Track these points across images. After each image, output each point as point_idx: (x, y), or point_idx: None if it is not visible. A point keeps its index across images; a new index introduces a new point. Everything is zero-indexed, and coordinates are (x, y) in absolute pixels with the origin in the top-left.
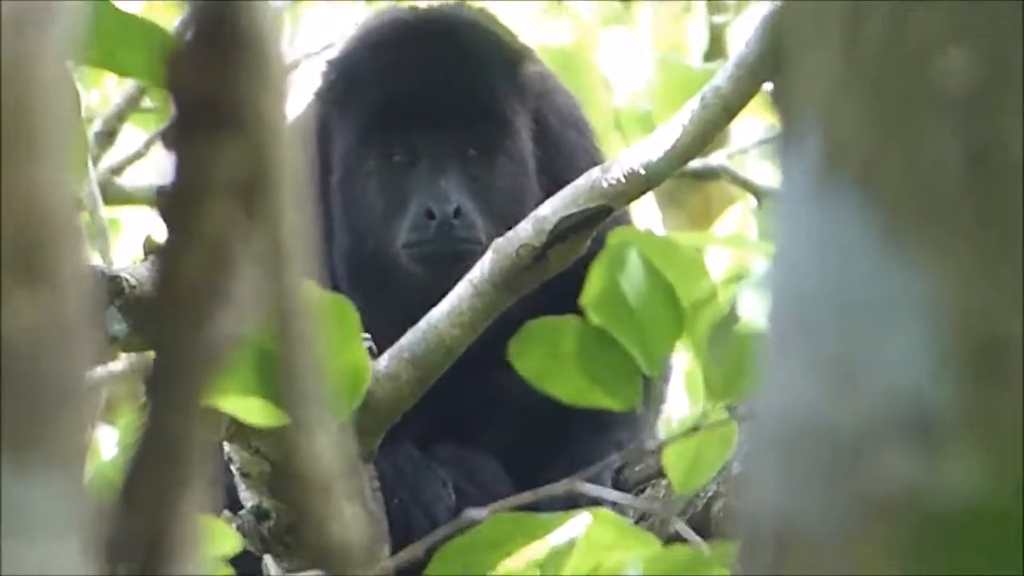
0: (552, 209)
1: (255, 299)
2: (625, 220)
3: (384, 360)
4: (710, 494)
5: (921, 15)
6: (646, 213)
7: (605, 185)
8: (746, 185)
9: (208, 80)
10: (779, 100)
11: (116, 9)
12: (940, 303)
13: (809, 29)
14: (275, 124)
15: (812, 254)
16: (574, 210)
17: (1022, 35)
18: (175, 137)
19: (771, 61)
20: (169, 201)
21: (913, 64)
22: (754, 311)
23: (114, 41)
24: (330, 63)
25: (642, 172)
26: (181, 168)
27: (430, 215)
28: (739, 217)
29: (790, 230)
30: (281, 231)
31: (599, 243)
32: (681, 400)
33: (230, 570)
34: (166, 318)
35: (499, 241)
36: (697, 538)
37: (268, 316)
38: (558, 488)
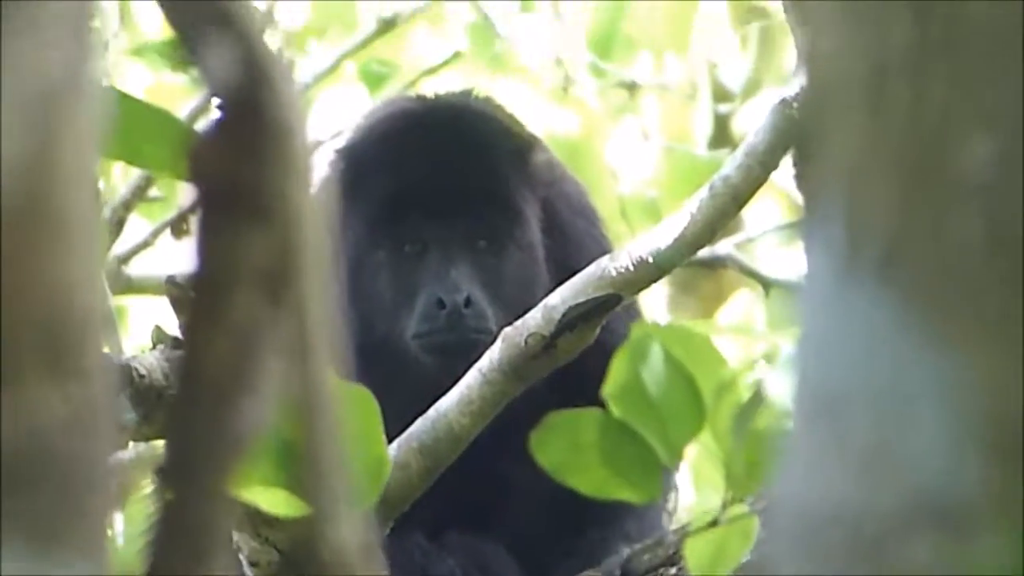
0: (561, 298)
1: (280, 388)
2: (634, 309)
3: (393, 449)
4: None
5: (943, 100)
6: (653, 300)
7: (614, 273)
8: (752, 274)
9: (234, 167)
10: (802, 185)
11: (132, 98)
12: (966, 389)
13: (831, 115)
14: (300, 212)
15: (837, 340)
16: (583, 299)
17: None
18: (200, 225)
19: (792, 147)
20: (194, 289)
21: (935, 149)
22: (778, 398)
23: (129, 131)
24: (339, 152)
25: (651, 260)
26: (206, 256)
27: (440, 305)
28: (745, 305)
29: (815, 315)
30: (306, 320)
31: (608, 332)
32: (687, 491)
33: None
34: (190, 406)
35: (508, 330)
36: None
37: (292, 405)
38: None
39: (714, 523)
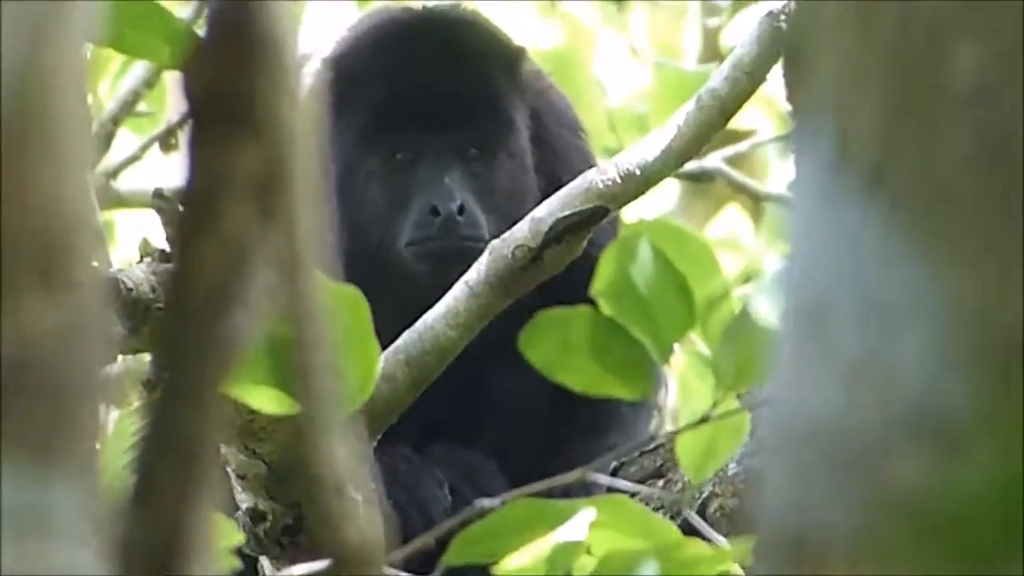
0: (548, 210)
1: (270, 299)
2: (620, 222)
3: (380, 361)
4: (706, 494)
5: (930, 10)
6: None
7: (601, 186)
8: (742, 188)
9: (223, 79)
10: (792, 99)
11: None
12: (954, 301)
13: (822, 28)
14: (290, 123)
15: (826, 253)
16: (570, 211)
17: None
18: (191, 138)
19: (784, 60)
20: (185, 201)
21: (924, 60)
22: (766, 311)
23: (130, 25)
24: (327, 61)
25: (638, 173)
26: (197, 169)
27: (434, 212)
28: (735, 220)
29: (804, 229)
30: (296, 231)
31: (594, 246)
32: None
33: (237, 562)
34: (181, 318)
35: (495, 243)
36: (711, 530)
37: (283, 316)
38: (567, 479)
39: (704, 420)
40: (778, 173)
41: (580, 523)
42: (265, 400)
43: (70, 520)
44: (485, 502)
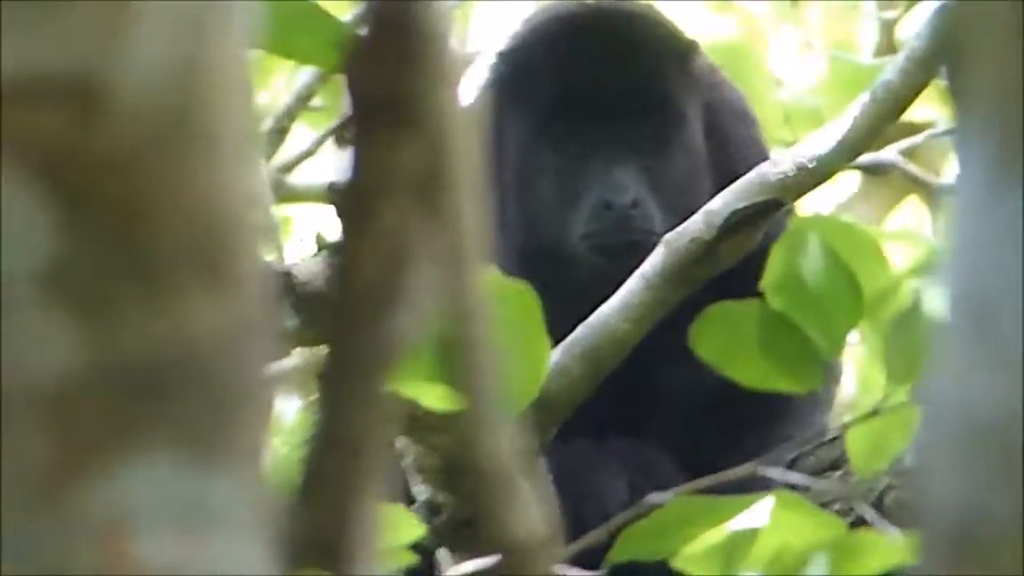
0: (723, 203)
1: (433, 296)
2: (795, 214)
3: (556, 355)
4: (883, 486)
5: None
6: (825, 208)
7: (775, 178)
8: (917, 180)
9: (385, 77)
10: (954, 93)
11: None
12: None
13: (983, 20)
14: (452, 121)
15: (990, 247)
16: (744, 203)
17: None
18: (353, 134)
19: (945, 54)
20: (347, 198)
21: None
22: (936, 306)
23: (291, 29)
24: (500, 56)
25: (811, 165)
26: (359, 165)
27: (608, 206)
28: (912, 212)
29: (967, 223)
30: (459, 228)
31: (768, 238)
32: (850, 388)
33: (414, 557)
34: (344, 314)
35: (669, 235)
36: (883, 522)
37: (447, 314)
38: (740, 472)
39: (874, 413)
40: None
41: (756, 515)
42: (433, 397)
43: (233, 514)
44: (655, 497)
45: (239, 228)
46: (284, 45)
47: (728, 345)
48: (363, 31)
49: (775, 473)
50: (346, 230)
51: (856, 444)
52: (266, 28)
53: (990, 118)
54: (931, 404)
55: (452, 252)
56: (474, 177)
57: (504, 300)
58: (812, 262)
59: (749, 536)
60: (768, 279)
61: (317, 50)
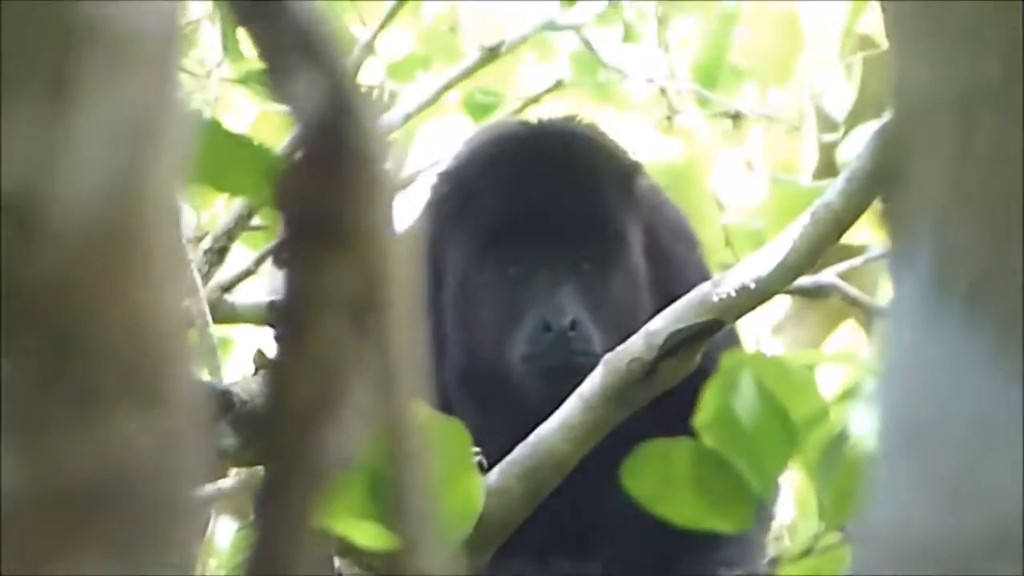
0: (663, 323)
1: (366, 418)
2: (734, 336)
3: (495, 474)
4: None
5: None
6: (760, 329)
7: (716, 299)
8: (856, 302)
9: (319, 198)
10: (890, 216)
11: (225, 129)
12: None
13: (920, 145)
14: (386, 242)
15: (923, 372)
16: (685, 324)
17: None
18: (286, 255)
19: (882, 177)
20: (281, 319)
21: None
22: (865, 429)
23: (223, 161)
24: (442, 176)
25: (752, 286)
26: (293, 286)
27: (547, 327)
28: (852, 334)
29: (900, 347)
30: (392, 350)
31: (709, 358)
32: (789, 514)
33: None
34: (276, 436)
35: (609, 356)
36: None
37: (379, 436)
38: None
39: (807, 552)
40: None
41: None
42: (364, 534)
43: None
44: None
45: (172, 348)
46: (214, 175)
47: (660, 483)
48: (296, 153)
49: None
50: (280, 350)
51: None
52: (198, 159)
53: (926, 242)
54: (867, 526)
55: (385, 373)
56: (410, 298)
57: (433, 436)
58: (745, 400)
59: None
60: (701, 417)
61: (249, 182)
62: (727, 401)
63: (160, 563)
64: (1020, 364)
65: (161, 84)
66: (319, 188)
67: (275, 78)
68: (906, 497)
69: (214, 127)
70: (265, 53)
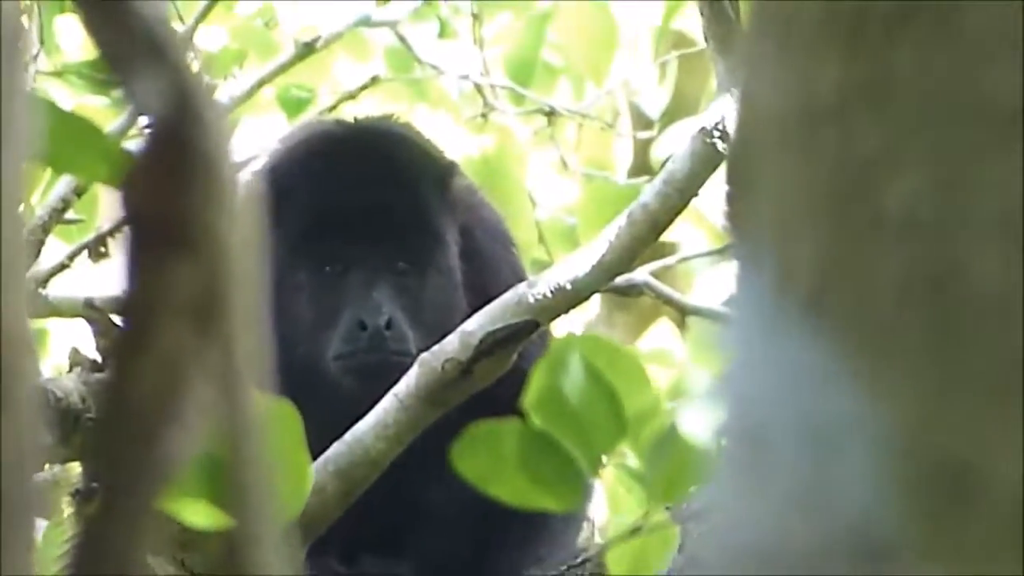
0: (478, 324)
1: (206, 417)
2: (550, 337)
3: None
4: None
5: (870, 138)
6: (578, 325)
7: (532, 300)
8: (669, 301)
9: (161, 197)
10: (733, 218)
11: (59, 109)
12: (890, 428)
13: (763, 151)
14: (227, 241)
15: (764, 376)
16: (500, 325)
17: (972, 159)
18: (129, 253)
19: (727, 179)
20: (121, 317)
21: (863, 188)
22: (695, 427)
23: (56, 140)
24: (258, 174)
25: (569, 287)
26: (134, 285)
27: (362, 326)
28: (664, 333)
29: (742, 351)
30: (234, 349)
31: (524, 359)
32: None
33: None
34: (117, 433)
35: (424, 356)
36: None
37: (219, 434)
38: None
39: (635, 531)
40: (703, 286)
41: None
42: (196, 514)
43: None
44: None
45: (18, 347)
46: (56, 158)
47: (489, 463)
48: (138, 148)
49: None
50: (118, 350)
51: (617, 564)
52: (42, 142)
53: (769, 245)
54: (699, 523)
55: (226, 371)
56: (250, 297)
57: (267, 419)
58: (574, 380)
59: None
60: (530, 397)
61: (89, 163)
62: (556, 381)
63: (3, 560)
64: (858, 369)
65: (10, 79)
66: (162, 186)
67: (117, 74)
68: (743, 502)
69: (48, 107)
70: (105, 48)
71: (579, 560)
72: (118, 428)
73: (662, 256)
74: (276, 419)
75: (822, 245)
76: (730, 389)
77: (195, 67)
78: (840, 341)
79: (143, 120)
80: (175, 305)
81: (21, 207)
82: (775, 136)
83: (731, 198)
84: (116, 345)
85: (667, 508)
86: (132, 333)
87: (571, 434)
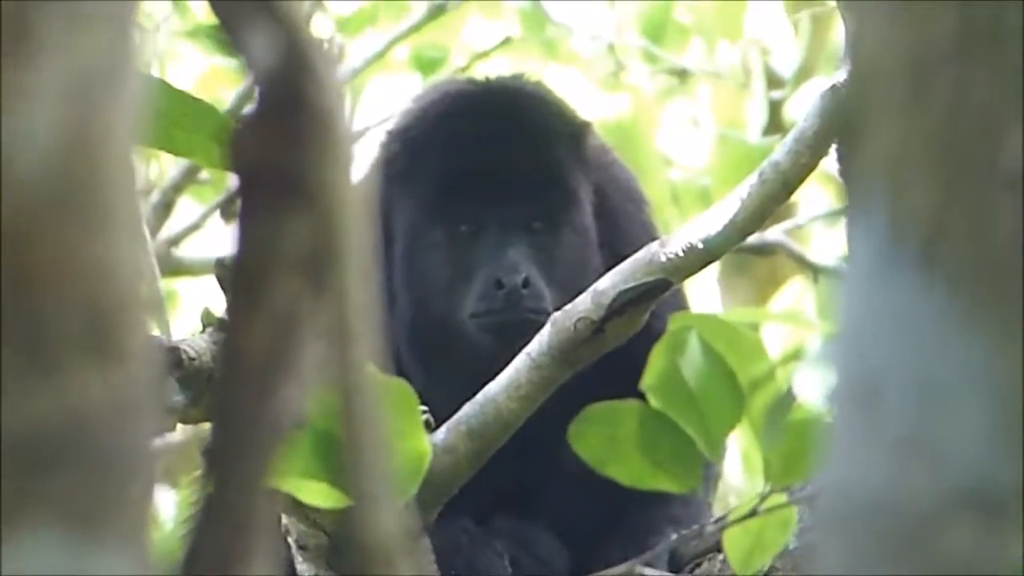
0: (611, 283)
1: (320, 373)
2: (682, 296)
3: (442, 433)
4: (766, 570)
5: (982, 93)
6: (705, 284)
7: (663, 259)
8: (802, 260)
9: (274, 153)
10: (845, 175)
11: (175, 89)
12: (1005, 379)
13: (875, 104)
14: (341, 197)
15: (878, 329)
16: (632, 284)
17: None
18: (241, 211)
19: (837, 136)
20: (235, 275)
21: (977, 139)
22: (811, 390)
23: (172, 122)
24: (391, 134)
25: (700, 246)
26: (247, 242)
27: (499, 285)
28: (797, 292)
29: (856, 305)
30: (347, 305)
31: (657, 318)
32: (736, 474)
33: None
34: (232, 390)
35: (557, 315)
36: None
37: (332, 390)
38: (618, 571)
39: (752, 513)
40: (832, 246)
41: None
42: (315, 493)
43: None
44: None
45: (128, 303)
46: (165, 138)
47: (607, 445)
48: (252, 107)
49: (653, 573)
50: (233, 305)
51: (734, 546)
52: (152, 119)
53: (880, 198)
54: (821, 483)
55: (339, 328)
56: (363, 253)
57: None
58: (692, 362)
59: None
60: (649, 379)
61: (196, 144)
62: (674, 363)
63: (116, 521)
64: (973, 321)
65: (118, 39)
66: (275, 143)
67: (230, 33)
68: (860, 456)
69: (164, 87)
70: (220, 8)
71: (714, 523)
72: (233, 384)
73: (793, 215)
74: (390, 396)
75: (935, 196)
76: (844, 344)
77: (321, 26)
78: (955, 292)
79: (256, 78)
80: (288, 261)
81: (134, 167)
82: (887, 88)
83: (843, 152)
84: (230, 302)
85: (784, 489)
86: (245, 289)
87: (689, 415)
